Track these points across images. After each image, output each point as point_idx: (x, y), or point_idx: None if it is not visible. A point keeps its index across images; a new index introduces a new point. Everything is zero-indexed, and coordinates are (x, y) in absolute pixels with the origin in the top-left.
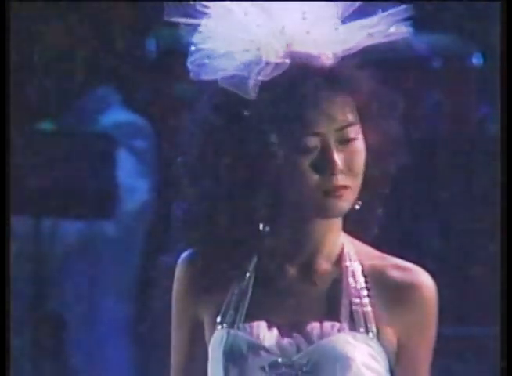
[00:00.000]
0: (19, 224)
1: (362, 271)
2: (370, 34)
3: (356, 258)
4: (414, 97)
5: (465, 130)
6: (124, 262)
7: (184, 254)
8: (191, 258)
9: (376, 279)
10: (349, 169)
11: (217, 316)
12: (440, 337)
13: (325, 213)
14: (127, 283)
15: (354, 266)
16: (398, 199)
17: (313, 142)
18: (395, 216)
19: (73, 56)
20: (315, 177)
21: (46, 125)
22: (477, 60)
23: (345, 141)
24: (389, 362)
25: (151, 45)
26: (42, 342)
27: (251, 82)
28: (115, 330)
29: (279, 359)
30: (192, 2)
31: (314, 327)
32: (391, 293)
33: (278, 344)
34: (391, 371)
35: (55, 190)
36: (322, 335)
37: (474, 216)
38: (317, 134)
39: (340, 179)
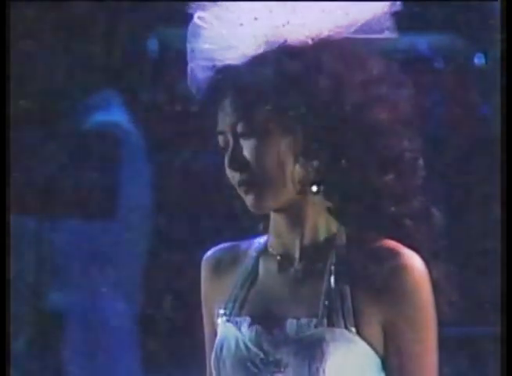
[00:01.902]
0: (19, 224)
1: (349, 260)
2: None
3: (344, 248)
4: (415, 97)
5: (466, 130)
6: (124, 261)
7: (207, 254)
8: (210, 256)
9: (365, 264)
10: (251, 164)
11: (221, 308)
12: (439, 337)
13: (252, 209)
14: (128, 284)
15: (339, 259)
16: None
17: (219, 141)
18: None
19: (72, 56)
20: (228, 175)
21: (47, 125)
22: (477, 60)
23: (243, 136)
24: (379, 357)
25: (153, 44)
26: (42, 343)
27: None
28: (116, 331)
29: (258, 356)
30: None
31: (291, 323)
32: (378, 276)
33: (257, 340)
34: (385, 367)
35: (56, 190)
36: (298, 331)
37: (474, 216)
38: (220, 132)
39: (243, 175)
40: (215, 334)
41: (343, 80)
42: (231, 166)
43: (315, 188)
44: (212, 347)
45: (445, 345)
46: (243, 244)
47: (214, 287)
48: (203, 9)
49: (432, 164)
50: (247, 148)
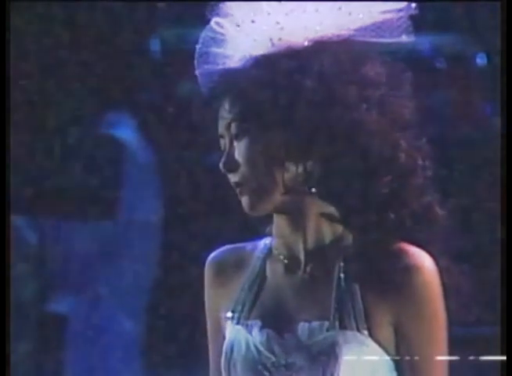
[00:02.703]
0: (19, 224)
1: (357, 261)
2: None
3: (352, 250)
4: (417, 97)
5: (468, 129)
6: (125, 262)
7: (210, 256)
8: (214, 259)
9: (374, 264)
10: (243, 166)
11: (228, 311)
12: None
13: (247, 211)
14: (129, 286)
15: (347, 260)
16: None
17: (221, 144)
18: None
19: (73, 55)
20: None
21: (47, 124)
22: (480, 60)
23: (236, 137)
24: (391, 359)
25: (154, 45)
26: (43, 346)
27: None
28: (118, 336)
29: (270, 360)
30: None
31: (303, 327)
32: (388, 277)
33: (268, 345)
34: (398, 368)
35: (57, 191)
36: (310, 335)
37: (477, 216)
38: (220, 136)
39: (236, 177)
40: (221, 337)
41: (338, 82)
42: (224, 167)
43: (309, 189)
44: (217, 350)
45: (452, 344)
46: (248, 246)
47: (219, 289)
48: (220, 15)
49: (434, 163)
50: (239, 149)
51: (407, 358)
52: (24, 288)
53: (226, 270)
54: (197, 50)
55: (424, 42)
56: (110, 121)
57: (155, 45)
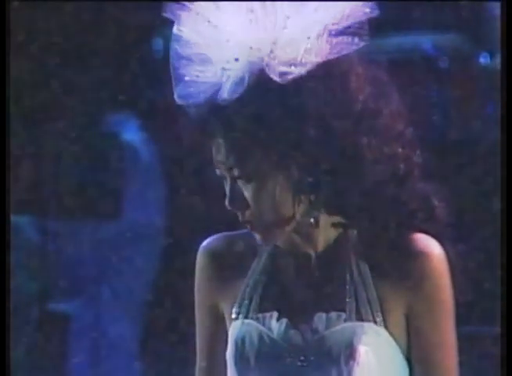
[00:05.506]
0: (19, 224)
1: (367, 252)
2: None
3: (359, 241)
4: (418, 97)
5: (468, 130)
6: (127, 262)
7: (203, 244)
8: (210, 247)
9: (385, 253)
10: (251, 205)
11: (234, 305)
12: None
13: (260, 244)
14: (131, 285)
15: (358, 252)
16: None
17: (216, 170)
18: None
19: (73, 55)
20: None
21: (48, 124)
22: (482, 60)
23: (240, 178)
24: (402, 350)
25: (155, 45)
26: (43, 344)
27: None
28: (118, 334)
29: (287, 351)
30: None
31: (320, 317)
32: (398, 264)
33: (286, 335)
34: (408, 360)
35: (59, 191)
36: (328, 326)
37: (474, 217)
38: (216, 166)
39: (245, 216)
40: (218, 329)
41: (331, 108)
42: (231, 206)
43: (316, 219)
44: (211, 341)
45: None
46: (246, 236)
47: (217, 280)
48: (182, 22)
49: (435, 163)
50: (246, 190)
51: (417, 347)
52: (24, 288)
53: (224, 259)
54: (171, 63)
55: (426, 42)
56: (113, 121)
57: (156, 45)
